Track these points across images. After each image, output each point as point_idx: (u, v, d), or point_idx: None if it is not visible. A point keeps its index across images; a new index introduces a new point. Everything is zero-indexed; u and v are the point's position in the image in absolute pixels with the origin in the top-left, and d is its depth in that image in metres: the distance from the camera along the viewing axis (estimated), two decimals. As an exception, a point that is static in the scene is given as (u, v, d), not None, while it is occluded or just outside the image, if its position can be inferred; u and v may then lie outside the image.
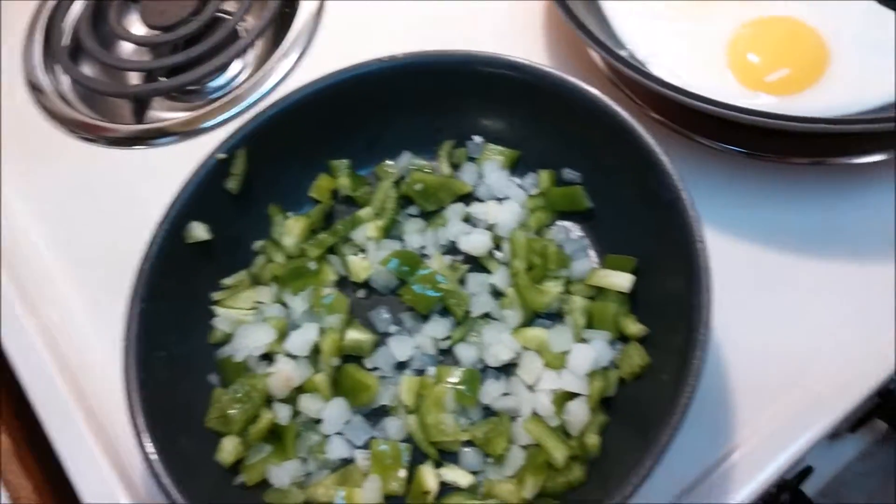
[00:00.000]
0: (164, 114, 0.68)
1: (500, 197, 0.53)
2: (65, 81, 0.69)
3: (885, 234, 0.51)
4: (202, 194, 0.50)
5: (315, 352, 0.48)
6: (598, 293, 0.48)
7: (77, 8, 0.73)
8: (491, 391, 0.46)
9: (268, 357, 0.48)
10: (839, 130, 0.47)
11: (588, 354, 0.45)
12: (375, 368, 0.48)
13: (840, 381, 0.47)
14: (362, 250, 0.52)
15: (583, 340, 0.46)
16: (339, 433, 0.46)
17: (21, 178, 0.65)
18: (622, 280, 0.47)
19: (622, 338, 0.47)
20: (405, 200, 0.54)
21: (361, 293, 0.51)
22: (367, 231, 0.52)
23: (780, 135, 0.52)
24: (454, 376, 0.46)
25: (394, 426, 0.46)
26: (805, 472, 0.54)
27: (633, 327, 0.46)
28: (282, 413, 0.46)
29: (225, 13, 0.70)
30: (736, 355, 0.49)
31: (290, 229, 0.52)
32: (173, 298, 0.48)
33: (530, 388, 0.46)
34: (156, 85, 0.65)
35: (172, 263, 0.49)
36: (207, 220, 0.50)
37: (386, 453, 0.44)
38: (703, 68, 0.54)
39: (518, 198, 0.52)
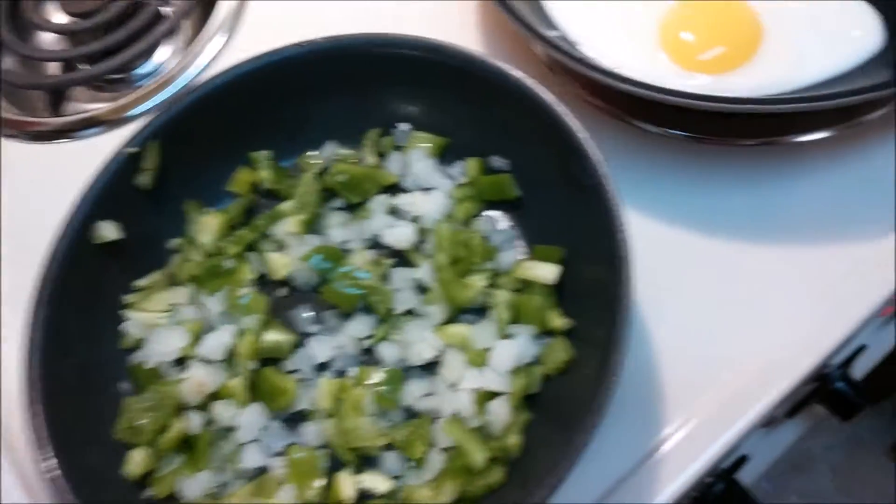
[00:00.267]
0: (91, 105, 0.65)
1: (426, 187, 0.51)
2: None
3: (823, 216, 0.50)
4: (111, 192, 0.48)
5: (231, 355, 0.46)
6: (525, 286, 0.46)
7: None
8: (414, 391, 0.44)
9: (183, 362, 0.46)
10: (768, 110, 0.45)
11: (511, 351, 0.43)
12: (295, 371, 0.46)
13: (773, 368, 0.46)
14: (283, 246, 0.50)
15: (507, 336, 0.44)
16: (254, 441, 0.44)
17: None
18: (547, 272, 0.45)
19: (549, 332, 0.45)
20: (329, 193, 0.51)
21: (282, 292, 0.49)
22: (288, 226, 0.49)
23: (724, 116, 0.50)
24: (376, 377, 0.44)
25: (312, 432, 0.44)
26: (740, 461, 0.53)
27: (558, 321, 0.44)
28: (194, 421, 0.44)
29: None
30: (667, 344, 0.47)
31: (207, 226, 0.49)
32: (81, 303, 0.46)
33: (452, 387, 0.44)
34: (74, 74, 0.62)
35: (79, 266, 0.46)
36: (117, 218, 0.48)
37: (303, 461, 0.43)
38: (635, 49, 0.51)
39: (445, 187, 0.50)
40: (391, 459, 0.43)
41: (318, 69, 0.51)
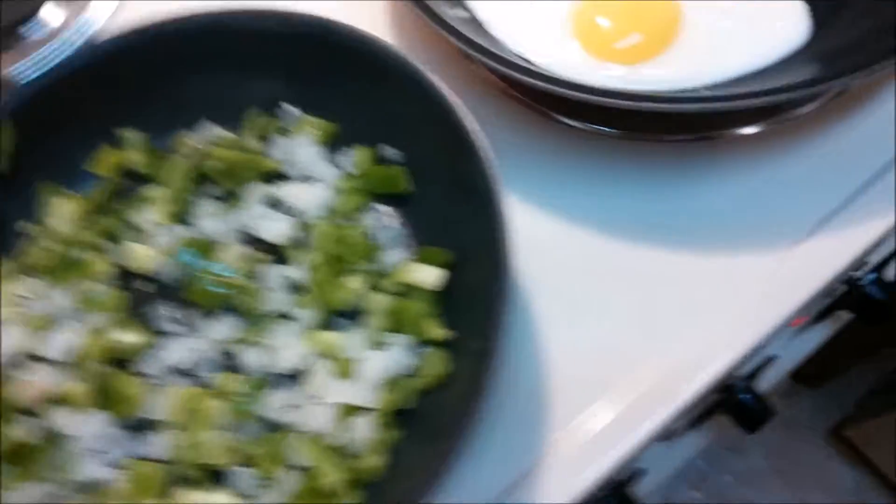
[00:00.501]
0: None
1: (310, 176, 0.46)
2: None
3: (740, 219, 0.47)
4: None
5: (78, 356, 0.41)
6: (408, 290, 0.42)
7: None
8: (276, 402, 0.40)
9: (24, 361, 0.42)
10: (673, 110, 0.42)
11: (382, 362, 0.40)
12: (147, 375, 0.42)
13: (674, 378, 0.43)
14: (147, 236, 0.45)
15: (380, 345, 0.41)
16: (93, 451, 0.40)
17: None
18: (431, 276, 0.42)
19: (428, 342, 0.41)
20: (204, 179, 0.47)
21: (143, 286, 0.45)
22: (154, 213, 0.45)
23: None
24: (235, 385, 0.40)
25: (158, 443, 0.40)
26: (636, 475, 0.50)
27: (437, 331, 0.40)
28: (27, 428, 0.39)
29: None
30: (562, 352, 0.44)
31: (62, 210, 0.45)
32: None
33: (316, 399, 0.40)
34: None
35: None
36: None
37: (144, 475, 0.38)
38: (547, 34, 0.48)
39: (329, 178, 0.46)
40: (243, 477, 0.39)
41: (199, 43, 0.47)
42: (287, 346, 0.41)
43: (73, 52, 0.47)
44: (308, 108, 0.48)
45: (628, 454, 0.43)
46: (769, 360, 0.52)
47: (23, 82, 0.46)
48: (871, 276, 0.54)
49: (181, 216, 0.45)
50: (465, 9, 0.50)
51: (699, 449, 0.61)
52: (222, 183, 0.46)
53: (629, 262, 0.46)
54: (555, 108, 0.49)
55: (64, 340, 0.41)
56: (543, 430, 0.43)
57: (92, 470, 0.39)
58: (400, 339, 0.41)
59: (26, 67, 0.56)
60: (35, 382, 0.40)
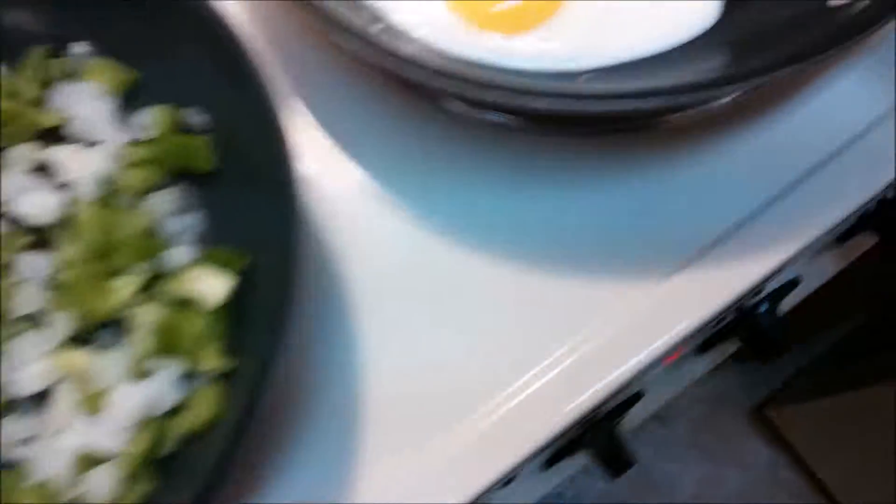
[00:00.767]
0: None
1: (93, 140, 0.37)
2: None
3: (624, 234, 0.39)
4: None
5: None
6: (189, 302, 0.34)
7: None
8: (12, 433, 0.32)
9: None
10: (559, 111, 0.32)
11: (139, 396, 0.32)
12: None
13: (522, 421, 0.36)
14: None
15: (142, 373, 0.32)
16: None
17: None
18: (216, 287, 0.33)
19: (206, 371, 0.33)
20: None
21: None
22: None
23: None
24: (-41, 407, 0.32)
25: None
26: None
27: (215, 360, 0.32)
28: None
29: None
30: (388, 381, 0.36)
31: None
32: None
33: (57, 435, 0.32)
34: None
35: None
36: None
37: None
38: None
39: (115, 142, 0.36)
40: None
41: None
42: (29, 362, 0.33)
43: None
44: (103, 49, 0.38)
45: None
46: (637, 397, 0.45)
47: None
48: (765, 307, 0.46)
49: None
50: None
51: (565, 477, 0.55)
52: (-18, 140, 0.37)
53: (488, 276, 0.38)
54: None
55: None
56: (352, 476, 0.35)
57: None
58: (169, 367, 0.32)
59: None
60: None
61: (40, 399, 0.33)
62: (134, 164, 0.36)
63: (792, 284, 0.49)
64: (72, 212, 0.35)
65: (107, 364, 0.32)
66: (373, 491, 0.35)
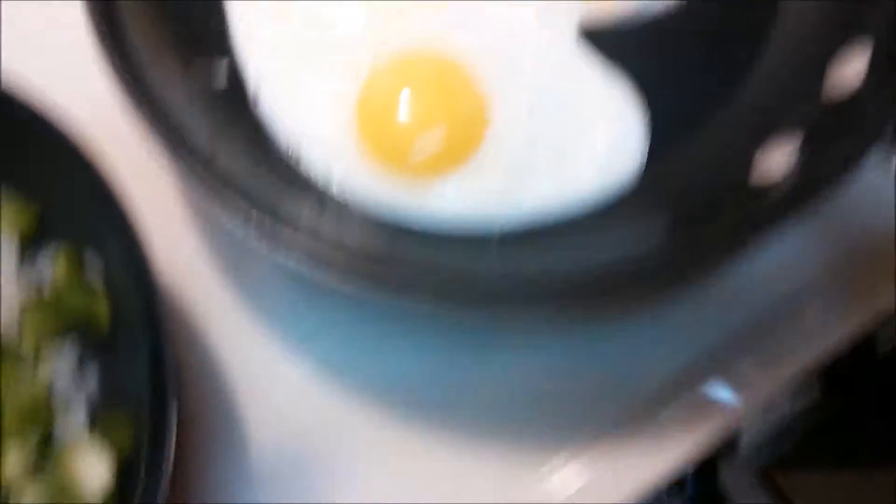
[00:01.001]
0: None
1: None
2: None
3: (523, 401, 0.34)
4: None
5: None
6: (74, 483, 0.31)
7: None
8: None
9: None
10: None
11: None
12: None
13: None
14: None
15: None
16: None
17: None
18: (95, 472, 0.30)
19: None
20: None
21: None
22: None
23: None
24: None
25: None
26: None
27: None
28: None
29: None
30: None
31: None
32: None
33: None
34: None
35: None
36: None
37: None
38: (326, 120, 0.33)
39: (14, 290, 0.34)
40: None
41: None
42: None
43: None
44: (12, 182, 0.35)
45: None
46: None
47: None
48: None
49: None
50: (232, 55, 0.35)
51: None
52: None
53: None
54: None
55: None
56: None
57: None
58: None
59: None
60: None
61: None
62: (34, 311, 0.33)
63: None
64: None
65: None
66: None
